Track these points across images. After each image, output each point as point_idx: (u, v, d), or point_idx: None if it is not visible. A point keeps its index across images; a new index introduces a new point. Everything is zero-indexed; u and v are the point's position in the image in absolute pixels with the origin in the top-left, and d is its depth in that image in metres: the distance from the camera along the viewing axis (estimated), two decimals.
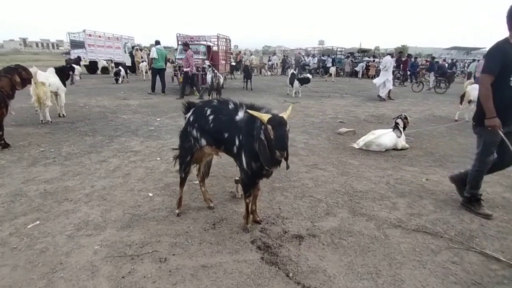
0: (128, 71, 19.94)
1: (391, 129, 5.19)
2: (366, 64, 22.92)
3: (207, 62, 9.71)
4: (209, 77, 8.47)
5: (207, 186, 3.57)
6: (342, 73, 23.69)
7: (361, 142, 5.20)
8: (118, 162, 4.31)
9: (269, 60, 25.75)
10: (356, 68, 23.01)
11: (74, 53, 19.63)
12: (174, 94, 11.30)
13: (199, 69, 10.85)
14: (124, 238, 2.56)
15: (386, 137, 5.05)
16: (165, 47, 14.13)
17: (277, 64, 25.91)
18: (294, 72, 12.34)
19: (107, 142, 5.23)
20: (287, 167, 2.33)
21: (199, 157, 2.93)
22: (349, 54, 25.46)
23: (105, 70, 19.89)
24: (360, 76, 22.69)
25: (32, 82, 5.94)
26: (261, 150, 2.18)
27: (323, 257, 2.39)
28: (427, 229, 2.81)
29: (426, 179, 3.99)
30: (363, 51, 26.80)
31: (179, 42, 12.33)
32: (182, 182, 2.93)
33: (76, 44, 20.29)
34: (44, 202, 3.15)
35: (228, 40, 13.87)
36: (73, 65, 7.79)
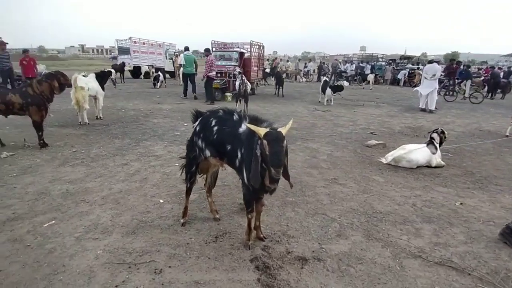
0: (169, 76, 20.92)
1: (425, 144, 4.78)
2: (409, 72, 21.70)
3: (238, 69, 9.78)
4: (237, 83, 8.52)
5: (217, 195, 3.55)
6: (382, 81, 22.67)
7: (389, 156, 4.86)
8: (138, 166, 4.44)
9: (305, 67, 25.42)
10: (398, 76, 21.88)
11: (120, 59, 20.98)
12: (203, 98, 11.56)
13: (230, 75, 11.00)
14: (126, 245, 2.59)
15: (418, 152, 4.66)
16: (194, 52, 14.51)
17: (314, 70, 25.52)
18: (327, 79, 11.99)
19: (133, 146, 5.43)
20: (291, 186, 2.21)
21: (205, 167, 2.89)
22: (390, 61, 24.33)
23: (147, 75, 20.97)
24: (402, 84, 21.53)
25: (73, 86, 6.41)
26: (253, 166, 2.08)
27: (325, 285, 2.21)
28: (453, 263, 2.50)
29: (461, 203, 3.59)
30: (406, 58, 25.43)
31: (214, 49, 12.62)
32: (188, 192, 2.92)
33: (123, 50, 21.64)
34: (63, 202, 3.31)
35: (261, 47, 13.91)
36: (111, 70, 8.24)
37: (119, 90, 14.19)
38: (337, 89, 11.22)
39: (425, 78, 10.47)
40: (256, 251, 2.57)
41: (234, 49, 12.46)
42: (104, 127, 6.73)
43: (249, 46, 12.60)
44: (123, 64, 19.03)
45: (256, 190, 2.33)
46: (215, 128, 2.56)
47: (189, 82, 11.69)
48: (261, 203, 2.62)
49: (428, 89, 10.24)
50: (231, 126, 2.47)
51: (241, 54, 12.27)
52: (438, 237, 2.87)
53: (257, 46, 13.49)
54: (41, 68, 14.84)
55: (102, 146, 5.36)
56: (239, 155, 2.39)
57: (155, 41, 22.74)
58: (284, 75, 23.99)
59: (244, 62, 12.40)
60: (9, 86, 8.33)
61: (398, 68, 23.12)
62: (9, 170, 4.13)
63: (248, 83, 8.73)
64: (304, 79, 23.74)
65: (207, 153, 2.65)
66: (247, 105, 8.73)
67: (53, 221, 2.92)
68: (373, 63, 23.57)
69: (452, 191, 3.95)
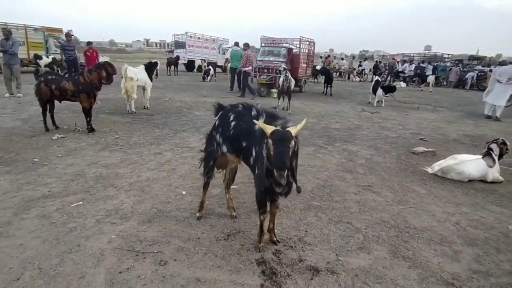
0: (220, 70, 21.46)
1: (481, 156, 4.17)
2: (477, 74, 19.41)
3: (283, 65, 9.58)
4: (280, 79, 8.35)
5: (240, 192, 3.47)
6: (444, 83, 20.65)
7: (436, 166, 4.32)
8: (170, 156, 4.55)
9: (360, 65, 24.17)
10: (467, 77, 19.64)
11: (176, 52, 22.05)
12: (249, 94, 11.58)
13: (277, 71, 10.83)
14: (140, 233, 2.63)
15: (471, 164, 4.08)
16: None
17: (370, 70, 24.14)
18: (379, 79, 11.18)
19: (170, 136, 5.60)
20: (298, 190, 2.02)
21: (224, 163, 2.81)
22: (457, 62, 22.00)
23: (200, 68, 21.75)
24: (468, 88, 19.36)
25: (123, 77, 6.82)
26: (258, 166, 1.93)
27: None
28: None
29: None
30: (476, 59, 22.77)
31: (262, 44, 12.56)
32: (205, 186, 2.87)
33: (179, 45, 22.72)
34: (94, 184, 3.50)
35: (312, 43, 13.49)
36: (157, 62, 8.64)
37: (171, 82, 14.90)
38: (389, 89, 10.42)
39: (498, 81, 8.95)
40: (266, 254, 2.43)
41: (283, 45, 12.25)
42: (148, 117, 7.07)
43: (298, 42, 12.30)
44: (178, 57, 19.95)
45: (268, 191, 2.19)
46: (233, 123, 2.48)
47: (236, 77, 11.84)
48: (275, 204, 2.46)
49: (502, 94, 8.84)
50: (248, 122, 2.35)
51: (290, 50, 12.02)
52: (479, 264, 2.45)
53: (307, 42, 13.11)
54: (106, 59, 16.18)
55: (142, 134, 5.61)
56: (254, 153, 2.27)
57: (210, 36, 23.48)
58: (336, 74, 23.28)
59: (292, 58, 12.14)
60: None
61: (465, 69, 20.80)
62: (56, 151, 4.52)
63: (292, 80, 8.49)
64: (358, 78, 22.61)
65: (224, 148, 2.57)
66: (289, 102, 8.52)
67: (81, 202, 3.09)
68: (435, 64, 21.51)
69: (507, 211, 3.37)
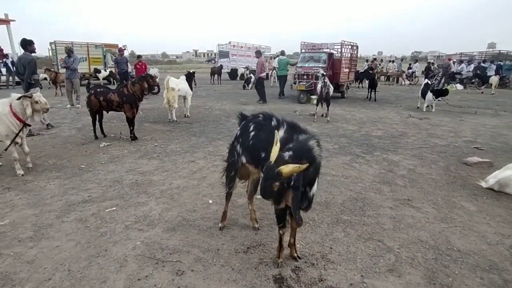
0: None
1: None
2: None
3: (321, 71, 9.35)
4: (318, 86, 8.13)
5: (266, 203, 3.39)
6: (510, 85, 18.48)
7: (491, 179, 3.82)
8: (203, 164, 4.64)
9: (409, 68, 22.65)
10: None
11: (220, 62, 22.80)
12: (290, 101, 11.48)
13: (316, 77, 10.60)
14: (163, 240, 2.69)
15: None
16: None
17: (422, 72, 22.52)
18: (429, 81, 10.32)
19: (205, 144, 5.73)
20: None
21: (246, 174, 2.77)
22: None
23: (243, 76, 22.21)
24: None
25: (165, 87, 7.20)
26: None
27: None
28: None
29: None
30: None
31: (302, 50, 12.42)
32: (227, 197, 2.86)
33: (223, 54, 23.44)
34: (129, 191, 3.69)
35: (354, 47, 12.98)
36: (195, 71, 8.98)
37: (214, 91, 15.39)
38: (440, 93, 9.57)
39: None
40: (285, 271, 2.33)
41: (324, 50, 11.98)
42: (187, 125, 7.34)
43: (340, 47, 11.93)
44: (221, 66, 20.62)
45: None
46: (252, 133, 2.44)
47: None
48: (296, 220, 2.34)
49: None
50: (268, 132, 2.28)
51: (330, 55, 11.70)
52: None
53: (349, 47, 12.67)
54: (155, 71, 17.26)
55: (179, 142, 5.83)
56: None
57: (252, 45, 23.89)
58: (384, 78, 22.10)
59: (333, 63, 11.80)
60: None
61: None
62: (101, 158, 4.87)
63: (331, 86, 8.22)
64: (407, 82, 21.22)
65: (243, 159, 2.54)
66: (328, 109, 8.26)
67: (114, 208, 3.27)
68: (499, 63, 19.32)
69: None
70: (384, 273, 2.32)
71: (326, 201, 3.47)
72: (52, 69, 14.06)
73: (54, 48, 15.95)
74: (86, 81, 9.75)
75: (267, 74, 21.11)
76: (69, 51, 9.15)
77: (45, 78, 14.32)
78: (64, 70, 9.97)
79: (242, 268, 2.35)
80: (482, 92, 15.48)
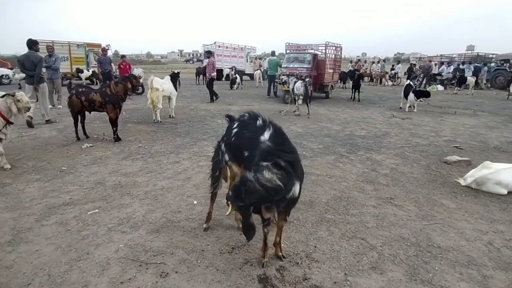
0: (249, 78, 21.71)
1: None
2: None
3: (302, 76, 9.70)
4: (290, 86, 8.48)
5: None
6: (487, 85, 19.18)
7: (469, 178, 3.96)
8: (188, 165, 4.60)
9: (392, 69, 23.16)
10: None
11: (205, 62, 22.64)
12: (276, 101, 11.54)
13: (302, 78, 10.69)
14: (146, 242, 2.65)
15: (510, 173, 3.68)
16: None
17: (404, 73, 23.05)
18: (411, 82, 10.59)
19: (190, 144, 5.68)
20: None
21: (230, 174, 2.76)
22: (502, 62, 20.30)
23: (228, 77, 22.14)
24: None
25: (149, 88, 7.10)
26: None
27: None
28: None
29: None
30: None
31: (287, 51, 12.51)
32: (212, 197, 2.85)
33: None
34: (112, 193, 3.62)
35: (338, 48, 13.17)
36: (179, 71, 8.93)
37: (199, 91, 15.29)
38: (421, 94, 9.82)
39: None
40: (270, 270, 2.33)
41: (308, 51, 12.10)
42: (172, 126, 7.26)
43: (324, 48, 12.07)
44: (206, 67, 20.47)
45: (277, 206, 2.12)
46: (235, 130, 2.46)
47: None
48: (282, 217, 2.36)
49: None
50: (253, 131, 2.28)
51: (315, 56, 11.83)
52: None
53: (333, 48, 12.83)
54: (139, 71, 16.98)
55: (164, 143, 5.76)
56: None
57: (237, 45, 23.86)
58: (368, 79, 22.50)
59: (317, 64, 11.93)
60: None
61: None
62: (83, 159, 4.76)
63: (302, 88, 8.46)
64: (390, 83, 21.68)
65: (226, 156, 2.54)
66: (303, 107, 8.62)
67: (97, 210, 3.20)
68: (477, 64, 20.02)
69: None
70: (367, 271, 2.36)
71: (310, 200, 3.51)
72: None
73: None
74: (68, 81, 9.51)
75: (252, 74, 21.20)
76: (52, 50, 8.89)
77: (24, 78, 13.84)
78: (44, 70, 9.68)
79: (227, 268, 2.34)
80: (455, 93, 15.97)
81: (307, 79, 8.03)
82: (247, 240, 2.22)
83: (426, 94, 9.84)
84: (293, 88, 8.40)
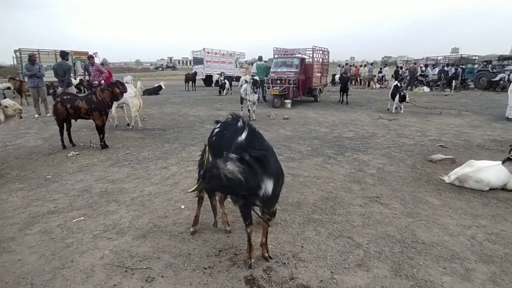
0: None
1: (501, 162, 3.85)
2: (508, 75, 18.28)
3: (248, 77, 9.92)
4: (242, 88, 8.84)
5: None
6: (472, 86, 19.67)
7: (453, 175, 4.04)
8: (176, 170, 4.58)
9: (380, 72, 23.56)
10: (497, 79, 18.55)
11: (195, 68, 22.68)
12: (265, 106, 11.58)
13: (290, 82, 10.77)
14: (133, 248, 2.63)
15: (491, 171, 3.77)
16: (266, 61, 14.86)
17: (392, 76, 23.45)
18: (399, 84, 10.79)
19: (179, 150, 5.66)
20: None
21: None
22: (485, 63, 20.86)
23: (218, 83, 22.19)
24: (500, 90, 18.25)
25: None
26: None
27: None
28: None
29: None
30: (506, 58, 21.46)
31: (275, 55, 12.63)
32: (199, 201, 2.85)
33: (197, 61, 23.33)
34: (98, 200, 3.58)
35: (325, 52, 13.35)
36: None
37: (188, 97, 15.26)
38: (403, 98, 10.03)
39: None
40: (257, 271, 2.33)
41: (296, 55, 12.23)
42: (161, 132, 7.22)
43: (311, 52, 12.23)
44: (195, 73, 20.53)
45: (249, 202, 2.12)
46: (216, 130, 2.51)
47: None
48: (265, 217, 2.37)
49: None
50: (232, 132, 2.31)
51: (302, 60, 11.97)
52: (495, 284, 2.21)
53: (321, 52, 13.01)
54: (128, 78, 16.87)
55: (152, 149, 5.72)
56: None
57: (226, 51, 23.97)
58: (356, 82, 22.83)
59: (305, 68, 12.08)
60: None
61: (494, 71, 19.67)
62: (69, 167, 4.69)
63: (254, 92, 8.73)
64: (378, 85, 22.03)
65: (209, 157, 2.56)
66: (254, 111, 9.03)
67: (82, 218, 3.15)
68: (462, 66, 20.55)
69: None
70: (353, 268, 2.38)
71: (298, 201, 3.53)
72: (17, 78, 13.41)
73: (19, 56, 15.24)
74: (53, 90, 9.45)
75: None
76: (35, 58, 8.79)
77: (9, 87, 13.64)
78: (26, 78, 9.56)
79: (213, 271, 2.33)
80: (446, 95, 16.33)
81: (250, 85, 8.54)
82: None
83: (403, 99, 10.03)
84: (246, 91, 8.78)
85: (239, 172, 1.85)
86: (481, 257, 2.53)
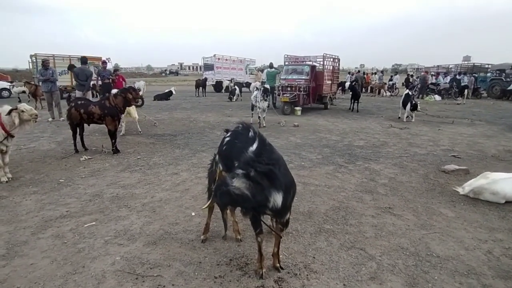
0: (248, 89, 21.91)
1: None
2: None
3: (258, 84, 10.04)
4: (252, 95, 9.22)
5: None
6: (484, 94, 19.35)
7: (467, 187, 3.95)
8: (186, 176, 4.60)
9: (390, 80, 23.39)
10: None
11: (205, 74, 22.90)
12: (275, 113, 11.59)
13: (300, 89, 10.77)
14: (143, 255, 2.63)
15: (507, 183, 3.68)
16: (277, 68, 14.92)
17: (402, 84, 23.25)
18: (410, 92, 10.68)
19: (189, 156, 5.69)
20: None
21: None
22: (498, 72, 20.53)
23: (228, 89, 22.33)
24: None
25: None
26: None
27: None
28: None
29: None
30: None
31: (286, 62, 12.67)
32: (210, 209, 2.83)
33: (208, 67, 23.56)
34: (110, 205, 3.61)
35: (336, 60, 13.34)
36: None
37: (199, 103, 15.37)
38: (414, 107, 9.93)
39: None
40: (268, 282, 2.31)
41: (306, 62, 12.25)
42: (171, 137, 7.28)
43: (322, 59, 12.23)
44: (205, 79, 20.72)
45: (258, 211, 2.11)
46: (226, 139, 2.51)
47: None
48: (277, 228, 2.35)
49: None
50: (244, 141, 2.30)
51: (313, 67, 11.98)
52: None
53: (331, 59, 13.00)
54: (141, 84, 17.12)
55: (163, 155, 5.76)
56: None
57: (237, 57, 24.18)
58: (367, 89, 22.71)
59: (316, 75, 12.07)
60: None
61: (508, 79, 19.34)
62: (81, 172, 4.75)
63: (265, 100, 8.73)
64: (389, 93, 21.86)
65: (220, 166, 2.56)
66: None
67: (94, 222, 3.18)
68: (474, 75, 20.28)
69: None
70: (366, 281, 2.33)
71: (309, 211, 3.49)
72: (32, 82, 13.74)
73: (34, 60, 15.63)
74: (67, 94, 9.70)
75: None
76: (48, 63, 9.04)
77: (24, 91, 13.98)
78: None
79: (224, 280, 2.31)
80: (458, 104, 16.10)
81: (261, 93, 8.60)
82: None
83: (415, 107, 9.96)
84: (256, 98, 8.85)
85: (246, 188, 1.86)
86: (498, 273, 2.45)
